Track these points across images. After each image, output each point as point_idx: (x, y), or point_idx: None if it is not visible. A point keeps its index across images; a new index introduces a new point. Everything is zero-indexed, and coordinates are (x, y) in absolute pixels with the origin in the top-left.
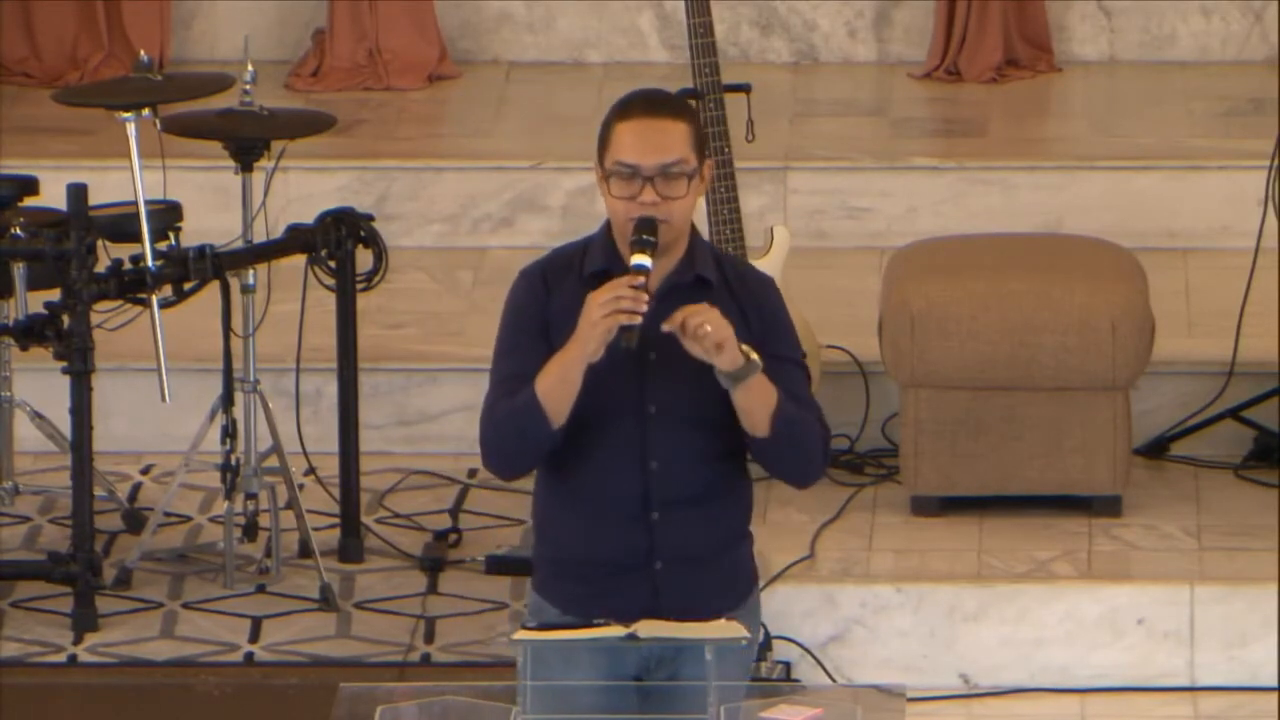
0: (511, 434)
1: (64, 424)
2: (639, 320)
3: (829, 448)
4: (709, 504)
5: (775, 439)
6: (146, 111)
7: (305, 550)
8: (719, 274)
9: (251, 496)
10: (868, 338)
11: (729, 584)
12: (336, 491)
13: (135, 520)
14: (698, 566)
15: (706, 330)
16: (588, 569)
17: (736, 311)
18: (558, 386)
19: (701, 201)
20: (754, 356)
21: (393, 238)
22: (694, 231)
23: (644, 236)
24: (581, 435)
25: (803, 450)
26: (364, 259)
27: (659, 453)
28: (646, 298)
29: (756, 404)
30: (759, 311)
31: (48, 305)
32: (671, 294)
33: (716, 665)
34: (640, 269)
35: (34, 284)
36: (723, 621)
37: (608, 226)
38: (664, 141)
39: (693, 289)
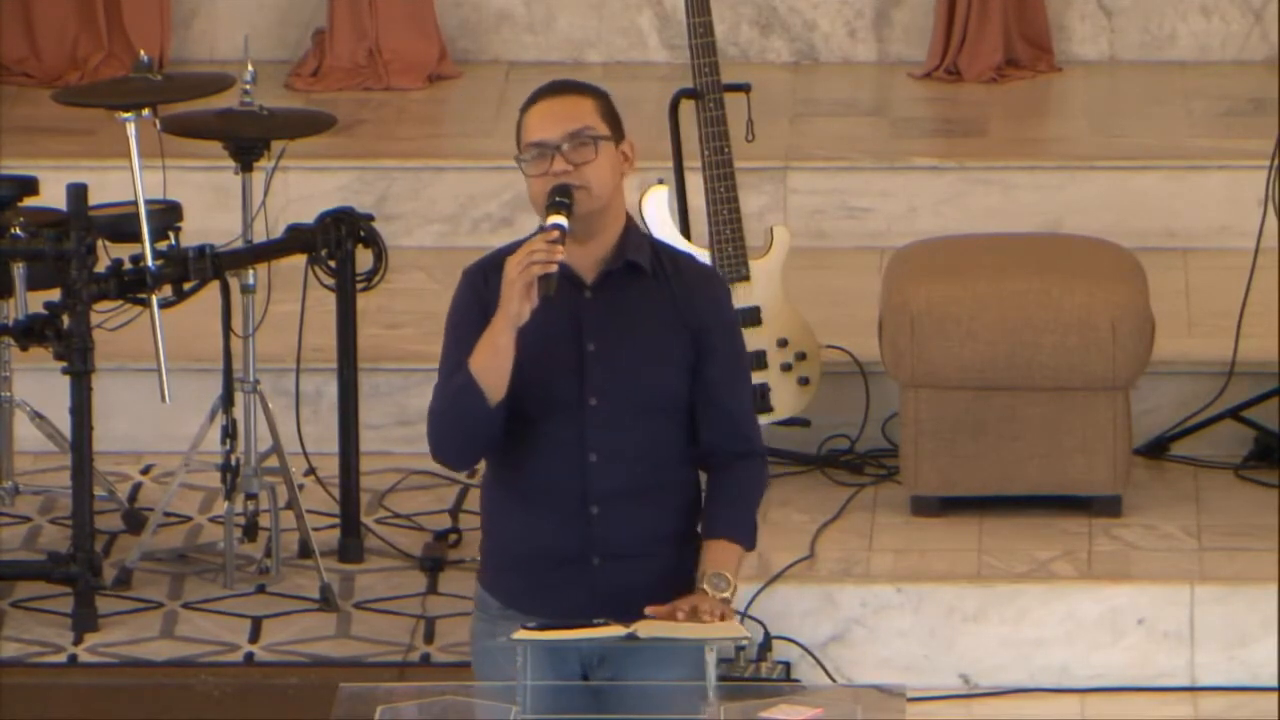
0: (453, 417)
1: (64, 424)
2: (554, 269)
3: (763, 450)
4: (649, 500)
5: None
6: (146, 111)
7: (305, 550)
8: (654, 261)
9: (251, 496)
10: (868, 338)
11: (668, 583)
12: (336, 491)
13: (135, 520)
14: (636, 564)
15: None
16: (528, 563)
17: (670, 300)
18: (489, 358)
19: (701, 202)
20: (731, 579)
21: (393, 238)
22: (629, 222)
23: (557, 199)
24: (523, 428)
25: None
26: (364, 259)
27: (598, 446)
28: (561, 249)
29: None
30: (693, 305)
31: (48, 305)
32: (606, 282)
33: (670, 665)
34: (555, 227)
35: (34, 284)
36: (723, 622)
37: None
38: (568, 113)
39: (625, 275)
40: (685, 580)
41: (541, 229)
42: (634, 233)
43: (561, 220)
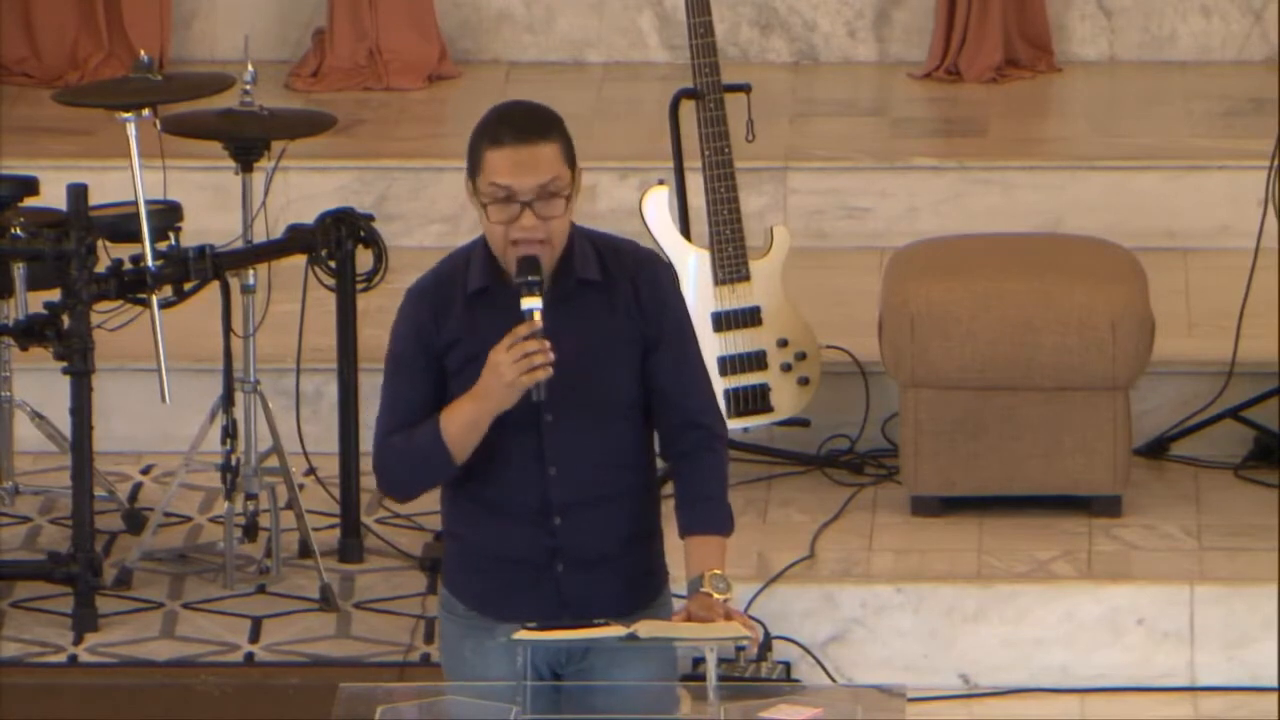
0: (413, 466)
1: (64, 424)
2: (550, 372)
3: (723, 432)
4: (611, 505)
5: None
6: (146, 111)
7: (305, 550)
8: (599, 266)
9: (251, 496)
10: (868, 338)
11: (634, 583)
12: (336, 491)
13: (135, 520)
14: (600, 567)
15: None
16: (493, 568)
17: (619, 300)
18: (466, 434)
19: (701, 202)
20: (723, 578)
21: (393, 238)
22: (572, 230)
23: (529, 279)
24: (482, 446)
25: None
26: (364, 259)
27: (557, 459)
28: (549, 344)
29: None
30: (639, 295)
31: (48, 305)
32: (554, 297)
33: (640, 663)
34: (532, 312)
35: (34, 284)
36: (724, 622)
37: (484, 239)
38: (537, 163)
39: (579, 291)
40: (651, 579)
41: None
42: (579, 243)
43: (535, 303)
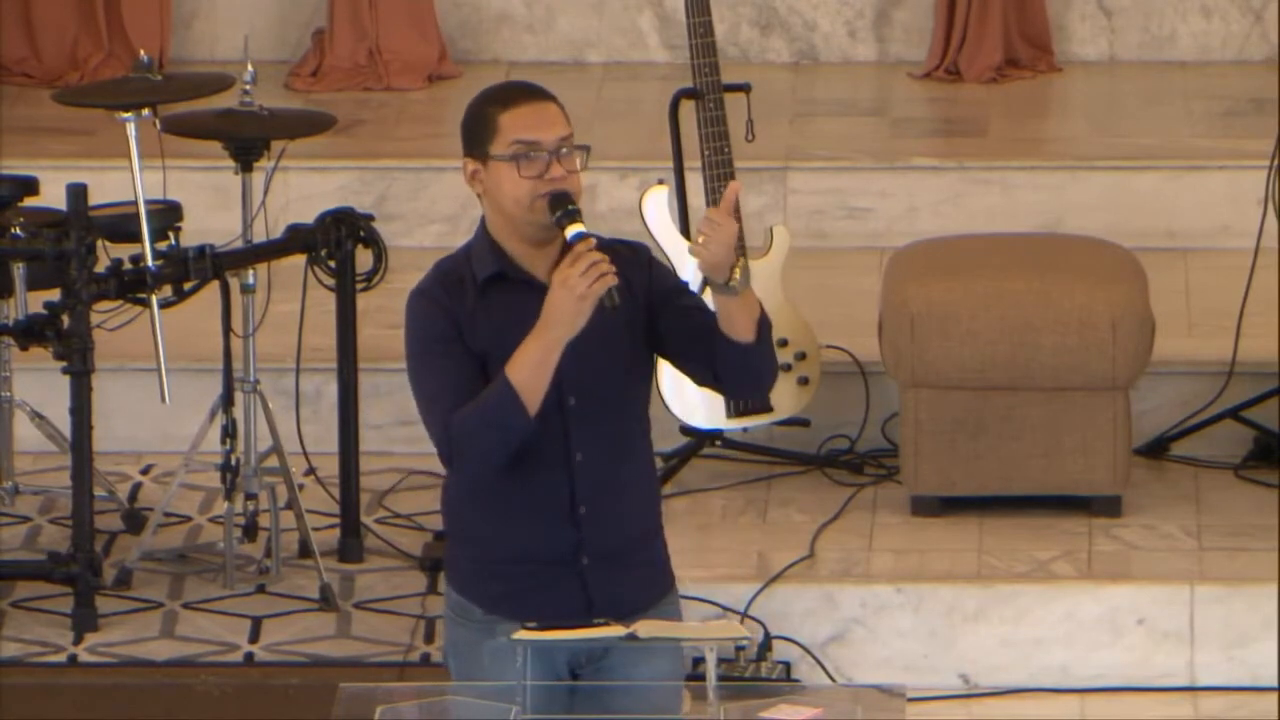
0: (490, 428)
1: (64, 424)
2: (618, 280)
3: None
4: (629, 495)
5: (760, 341)
6: (146, 111)
7: (305, 550)
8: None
9: (251, 496)
10: (868, 338)
11: (651, 578)
12: (336, 491)
13: (135, 520)
14: (622, 561)
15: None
16: (513, 568)
17: (622, 283)
18: (537, 372)
19: (701, 202)
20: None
21: (393, 238)
22: None
23: (569, 208)
24: None
25: (772, 350)
26: (364, 259)
27: (583, 444)
28: (608, 258)
29: (753, 305)
30: (639, 276)
31: (48, 305)
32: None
33: (650, 663)
34: (581, 236)
35: (34, 284)
36: (723, 621)
37: (483, 231)
38: (554, 118)
39: None
40: (664, 574)
41: (570, 240)
42: None
43: (582, 228)
